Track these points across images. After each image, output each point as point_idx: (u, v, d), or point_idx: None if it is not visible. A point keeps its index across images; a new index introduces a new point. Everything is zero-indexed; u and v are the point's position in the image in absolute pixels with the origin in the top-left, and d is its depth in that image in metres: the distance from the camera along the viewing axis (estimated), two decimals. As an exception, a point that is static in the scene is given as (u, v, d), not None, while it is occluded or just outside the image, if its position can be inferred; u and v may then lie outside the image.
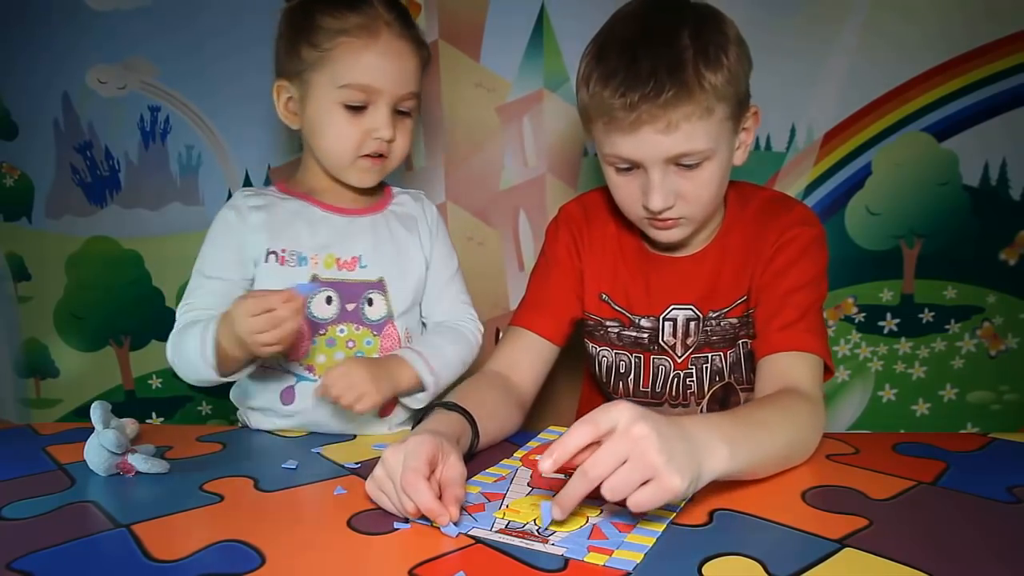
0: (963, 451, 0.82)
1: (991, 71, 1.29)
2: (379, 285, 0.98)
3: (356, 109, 0.91)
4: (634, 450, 0.57)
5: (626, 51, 0.82)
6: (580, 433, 0.58)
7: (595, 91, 0.83)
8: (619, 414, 0.58)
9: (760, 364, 0.87)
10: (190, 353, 0.88)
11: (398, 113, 0.94)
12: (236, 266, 0.96)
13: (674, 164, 0.84)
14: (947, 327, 1.37)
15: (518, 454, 0.81)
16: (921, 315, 1.36)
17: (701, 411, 1.00)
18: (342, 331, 0.95)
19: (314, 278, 0.95)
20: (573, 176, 1.35)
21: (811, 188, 1.34)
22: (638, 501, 0.57)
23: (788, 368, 0.84)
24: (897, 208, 1.33)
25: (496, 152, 1.34)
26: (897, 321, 1.37)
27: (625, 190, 0.89)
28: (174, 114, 1.34)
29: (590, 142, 1.31)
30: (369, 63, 0.90)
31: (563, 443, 0.58)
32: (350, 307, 0.96)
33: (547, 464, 0.58)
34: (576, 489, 0.59)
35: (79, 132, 1.35)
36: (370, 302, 0.97)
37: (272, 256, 0.95)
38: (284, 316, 0.81)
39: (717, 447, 0.63)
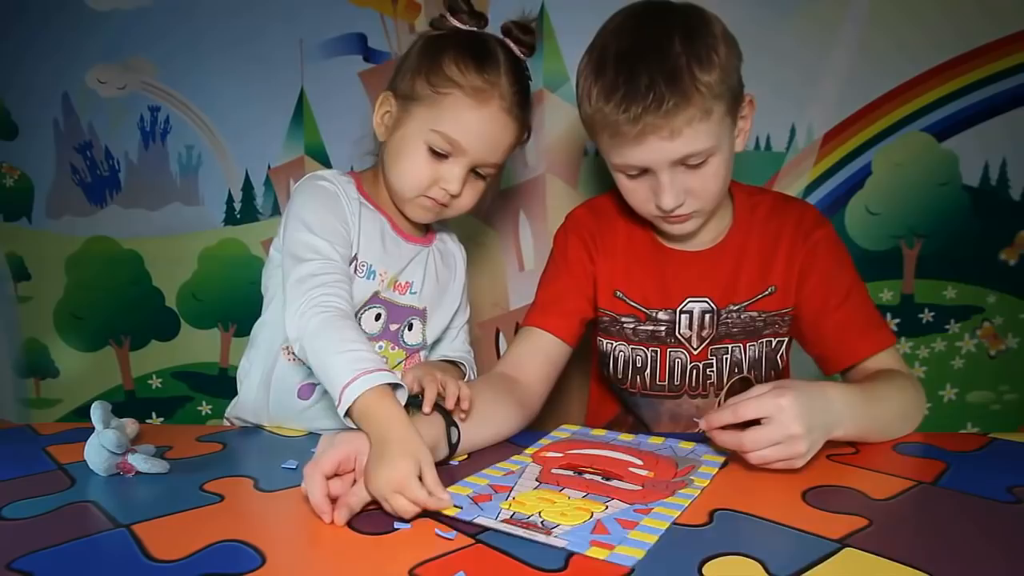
0: (963, 451, 0.82)
1: (991, 71, 1.29)
2: (421, 314, 1.00)
3: (438, 155, 0.92)
4: (787, 442, 0.72)
5: (623, 65, 0.85)
6: (727, 415, 0.74)
7: (597, 107, 0.86)
8: (780, 410, 0.72)
9: (854, 370, 0.95)
10: (326, 367, 0.77)
11: (475, 173, 0.94)
12: (347, 241, 0.92)
13: (681, 165, 0.87)
14: (947, 327, 1.37)
15: (529, 451, 0.82)
16: (921, 315, 1.36)
17: (719, 404, 1.01)
18: (380, 347, 0.97)
19: (375, 294, 0.95)
20: (573, 176, 1.35)
21: (811, 188, 1.34)
22: (764, 455, 0.73)
23: (881, 364, 0.93)
24: (897, 208, 1.34)
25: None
26: (897, 321, 1.37)
27: (637, 193, 0.92)
28: (174, 114, 1.34)
29: (590, 142, 1.32)
30: (467, 123, 0.90)
31: (713, 417, 0.76)
32: (393, 327, 0.98)
33: (702, 424, 0.77)
34: (729, 439, 0.75)
35: (79, 132, 1.35)
36: (410, 327, 1.00)
37: (354, 261, 0.94)
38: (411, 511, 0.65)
39: (844, 423, 0.78)
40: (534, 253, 1.37)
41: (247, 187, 1.36)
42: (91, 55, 1.32)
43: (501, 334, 1.39)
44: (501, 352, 1.38)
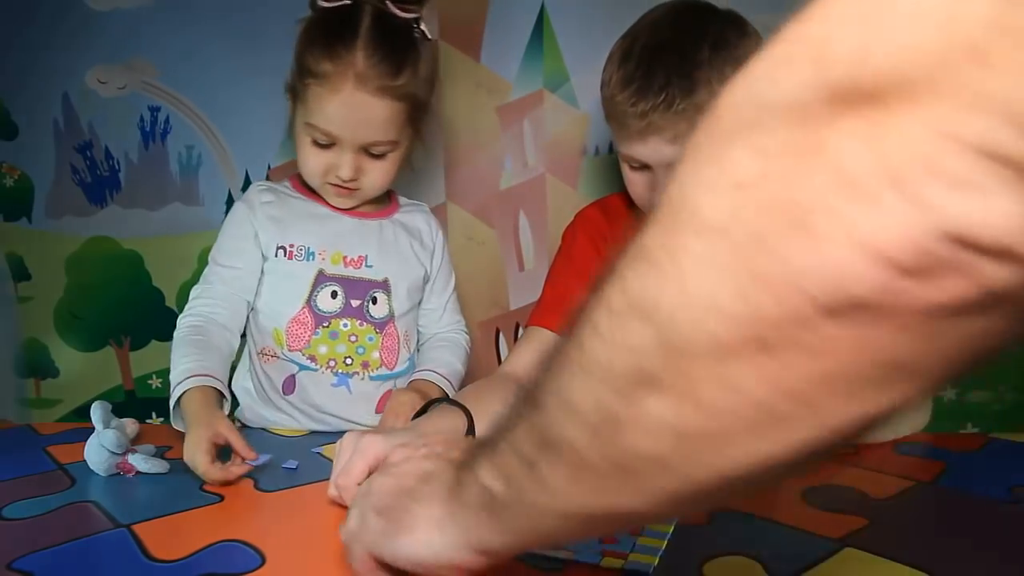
0: (963, 451, 0.82)
1: (991, 71, 1.29)
2: (384, 285, 1.00)
3: (322, 144, 0.92)
4: None
5: (645, 59, 0.85)
6: None
7: (612, 94, 0.87)
8: None
9: None
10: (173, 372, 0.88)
11: (370, 153, 0.94)
12: (248, 256, 0.97)
13: None
14: (947, 327, 1.36)
15: None
16: (921, 315, 1.36)
17: None
18: (346, 325, 0.97)
19: (320, 273, 0.96)
20: (573, 176, 1.35)
21: (811, 188, 1.34)
22: None
23: None
24: (897, 208, 1.33)
25: (496, 152, 1.34)
26: (897, 321, 1.36)
27: (635, 185, 0.93)
28: (174, 114, 1.34)
29: (590, 142, 1.32)
30: (329, 112, 0.90)
31: None
32: (355, 303, 0.98)
33: None
34: None
35: (79, 132, 1.35)
36: (374, 300, 0.99)
37: (281, 251, 0.96)
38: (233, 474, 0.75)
39: None
40: (534, 253, 1.36)
41: (247, 187, 1.35)
42: (91, 55, 1.32)
43: (501, 334, 1.39)
44: (501, 352, 1.38)
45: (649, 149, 0.86)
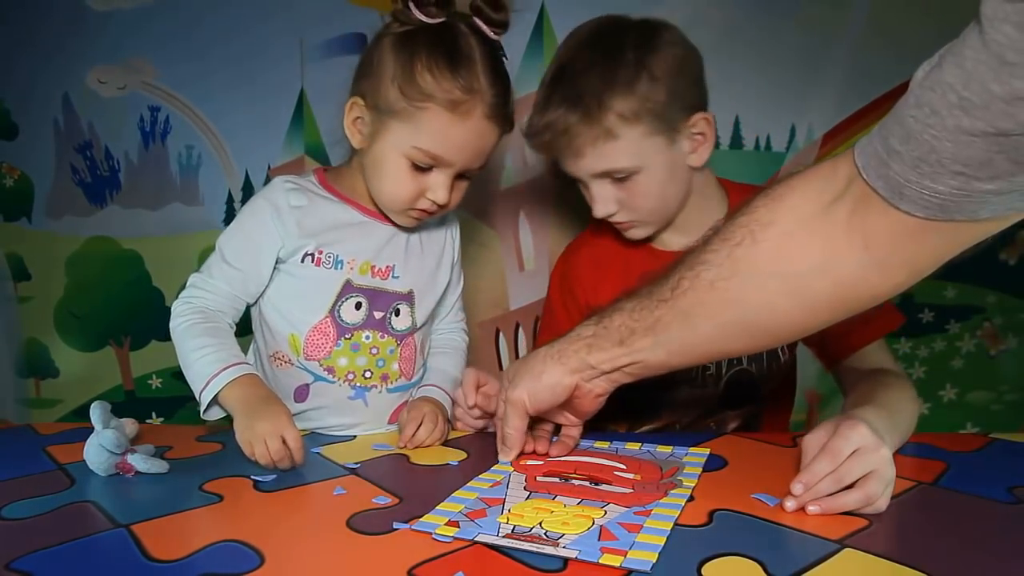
0: (963, 451, 0.82)
1: (991, 71, 1.29)
2: (408, 297, 0.97)
3: (421, 168, 0.89)
4: (880, 467, 0.65)
5: (551, 80, 0.93)
6: (826, 463, 0.65)
7: (531, 116, 0.94)
8: (860, 438, 0.66)
9: (848, 362, 0.95)
10: (187, 364, 0.88)
11: (460, 176, 0.92)
12: (260, 260, 0.93)
13: (607, 177, 0.92)
14: (947, 327, 1.37)
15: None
16: (921, 315, 1.36)
17: (719, 396, 1.02)
18: (367, 337, 0.94)
19: (348, 283, 0.93)
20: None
21: (811, 188, 1.33)
22: (844, 503, 0.65)
23: (876, 357, 0.94)
24: (897, 208, 1.33)
25: (496, 152, 1.34)
26: (897, 321, 1.37)
27: (586, 198, 0.97)
28: (174, 114, 1.34)
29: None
30: (451, 139, 0.86)
31: (813, 471, 0.65)
32: (378, 315, 0.95)
33: (799, 488, 0.65)
34: (829, 487, 0.65)
35: (79, 132, 1.35)
36: (397, 312, 0.97)
37: (308, 257, 0.92)
38: (289, 463, 0.79)
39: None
40: (534, 253, 1.37)
41: (247, 187, 1.36)
42: (91, 55, 1.32)
43: (501, 334, 1.39)
44: (501, 352, 1.38)
45: (566, 164, 0.92)
